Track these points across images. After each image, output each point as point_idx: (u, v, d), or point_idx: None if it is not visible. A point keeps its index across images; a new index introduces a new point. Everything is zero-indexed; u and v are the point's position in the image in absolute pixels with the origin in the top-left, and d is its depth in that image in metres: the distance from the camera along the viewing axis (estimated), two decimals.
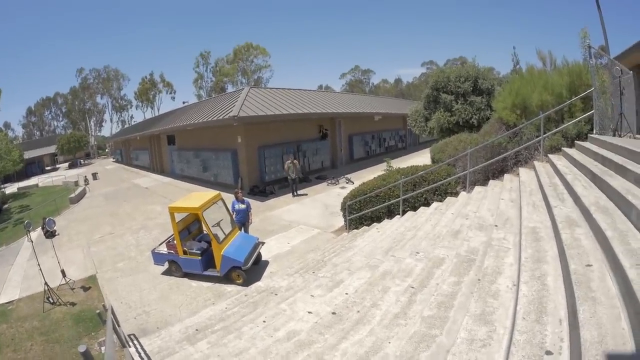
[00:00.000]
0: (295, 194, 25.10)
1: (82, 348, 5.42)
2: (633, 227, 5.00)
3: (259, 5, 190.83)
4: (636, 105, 11.87)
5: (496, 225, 8.02)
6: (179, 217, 13.66)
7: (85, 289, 13.71)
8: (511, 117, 14.95)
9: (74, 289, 13.68)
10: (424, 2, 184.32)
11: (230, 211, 14.90)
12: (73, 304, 12.63)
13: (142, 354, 7.85)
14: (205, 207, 13.17)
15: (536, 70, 16.43)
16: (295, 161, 24.95)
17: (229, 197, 16.17)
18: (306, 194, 24.11)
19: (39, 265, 13.47)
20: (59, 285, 13.65)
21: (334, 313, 6.87)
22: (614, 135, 10.67)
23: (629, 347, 3.15)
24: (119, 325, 8.86)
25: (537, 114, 12.87)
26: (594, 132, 11.50)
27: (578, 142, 11.63)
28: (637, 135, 10.73)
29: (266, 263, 14.37)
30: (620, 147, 8.09)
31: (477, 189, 13.10)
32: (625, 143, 8.29)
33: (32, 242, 14.17)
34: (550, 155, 11.85)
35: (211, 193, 14.43)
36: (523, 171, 11.95)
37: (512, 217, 8.43)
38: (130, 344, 8.59)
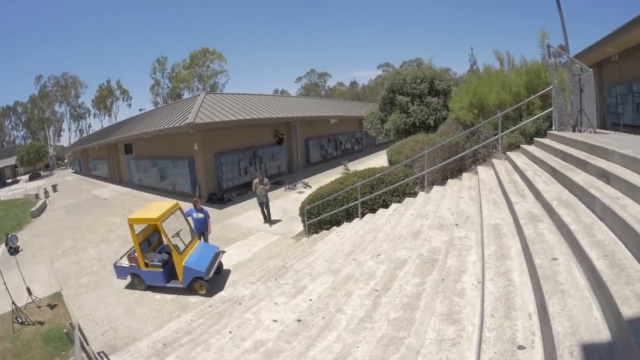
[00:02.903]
0: (268, 220, 20.40)
1: None
2: (598, 220, 5.03)
3: (215, 10, 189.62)
4: (596, 101, 12.11)
5: (457, 224, 8.05)
6: (138, 228, 13.43)
7: (52, 306, 13.38)
8: (468, 116, 15.12)
9: (40, 307, 13.31)
10: (379, 4, 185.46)
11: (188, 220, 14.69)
12: (41, 323, 12.32)
13: None
14: (164, 217, 12.99)
15: (493, 70, 16.69)
16: (260, 183, 19.63)
17: (188, 207, 16.01)
18: (280, 220, 20.49)
19: (4, 284, 13.13)
20: (26, 303, 13.29)
21: (299, 320, 6.78)
22: (574, 130, 10.93)
23: (604, 335, 3.14)
24: (87, 343, 8.62)
25: (494, 113, 13.08)
26: (553, 128, 11.74)
27: (537, 138, 11.79)
28: (598, 130, 10.94)
29: (228, 272, 14.28)
30: (580, 142, 8.21)
31: (436, 188, 13.15)
32: (585, 138, 8.46)
33: None
34: (508, 153, 12.04)
35: (169, 203, 14.25)
36: (482, 169, 12.06)
37: (472, 215, 8.47)
38: None
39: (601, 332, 3.19)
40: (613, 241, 4.29)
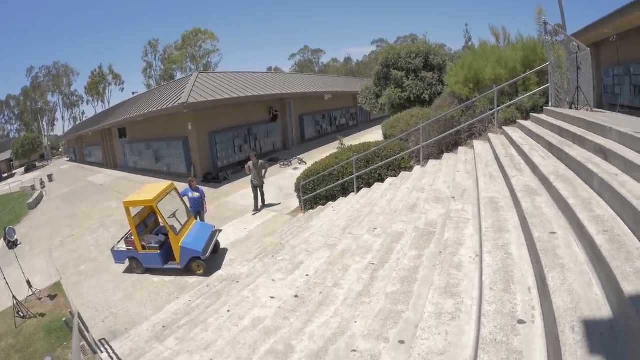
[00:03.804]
0: (262, 203, 18.86)
1: None
2: (595, 195, 5.06)
3: None
4: (593, 80, 12.10)
5: (453, 197, 8.03)
6: (134, 211, 13.40)
7: (52, 297, 13.41)
8: (464, 90, 15.07)
9: (41, 298, 13.34)
10: None
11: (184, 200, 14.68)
12: (42, 315, 12.34)
13: (115, 358, 7.79)
14: (159, 198, 12.91)
15: (489, 45, 16.61)
16: (254, 166, 17.92)
17: (183, 187, 16.00)
18: (279, 203, 19.29)
19: (5, 279, 13.07)
20: (27, 296, 13.31)
21: (296, 296, 6.82)
22: (571, 108, 10.94)
23: (605, 312, 3.13)
24: (88, 331, 8.68)
25: (490, 88, 13.02)
26: (550, 104, 11.77)
27: (533, 114, 11.84)
28: (595, 109, 10.96)
29: (225, 250, 14.27)
30: (578, 118, 8.26)
31: (432, 162, 13.15)
32: (582, 115, 8.53)
33: None
34: (505, 128, 12.03)
35: (164, 184, 14.17)
36: (477, 143, 12.03)
37: (469, 189, 8.46)
38: (102, 349, 8.47)
39: (602, 308, 3.19)
40: (612, 217, 4.31)
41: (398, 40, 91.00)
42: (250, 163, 17.89)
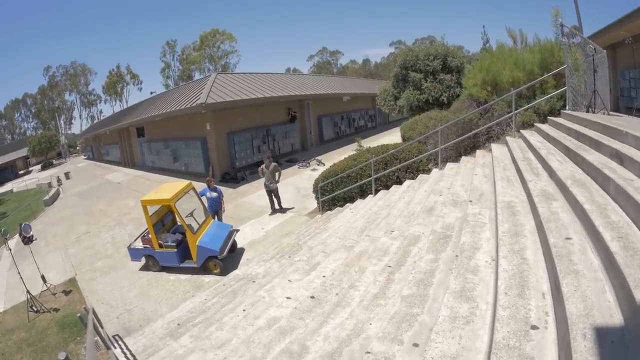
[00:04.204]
0: (276, 208, 18.43)
1: (61, 355, 5.30)
2: (611, 201, 5.03)
3: None
4: (610, 83, 12.02)
5: (471, 201, 7.99)
6: (151, 210, 13.43)
7: (67, 292, 13.49)
8: (482, 93, 15.02)
9: (55, 294, 13.43)
10: None
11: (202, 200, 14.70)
12: (56, 310, 12.40)
13: (128, 354, 7.76)
14: (177, 197, 12.93)
15: (506, 48, 16.50)
16: (266, 166, 17.59)
17: (201, 187, 16.06)
18: (292, 207, 18.77)
19: (19, 273, 13.17)
20: (41, 291, 13.40)
21: (312, 297, 6.82)
22: (587, 111, 10.81)
23: (617, 319, 3.14)
24: (102, 327, 8.72)
25: (508, 91, 12.96)
26: (567, 108, 11.67)
27: (550, 117, 11.76)
28: (611, 112, 10.87)
29: (242, 250, 14.29)
30: (594, 122, 8.19)
31: (450, 165, 13.04)
32: (599, 119, 8.42)
33: (10, 250, 13.80)
34: (522, 131, 11.98)
35: (182, 183, 14.19)
36: (495, 147, 11.99)
37: (486, 192, 8.42)
38: (115, 344, 8.48)
39: (614, 316, 3.19)
40: (627, 223, 4.29)
41: (416, 42, 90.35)
42: (263, 166, 17.67)
